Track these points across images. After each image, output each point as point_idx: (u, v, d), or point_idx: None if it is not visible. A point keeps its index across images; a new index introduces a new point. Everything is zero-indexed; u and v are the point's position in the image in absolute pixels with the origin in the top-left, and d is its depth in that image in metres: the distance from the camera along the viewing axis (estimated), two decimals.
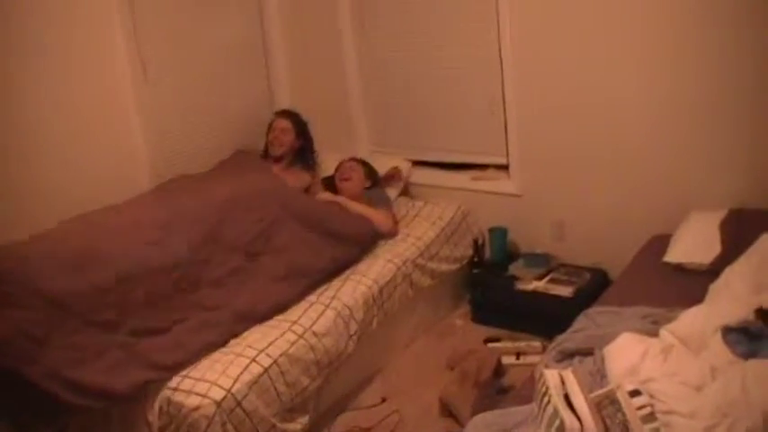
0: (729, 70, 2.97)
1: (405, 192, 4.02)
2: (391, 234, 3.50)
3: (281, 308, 2.87)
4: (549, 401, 1.66)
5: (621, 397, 1.70)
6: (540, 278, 3.45)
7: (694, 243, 2.82)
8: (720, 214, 2.92)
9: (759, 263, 2.39)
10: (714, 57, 2.99)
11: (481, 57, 3.64)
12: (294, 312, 2.85)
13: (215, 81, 3.79)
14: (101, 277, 2.57)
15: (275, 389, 2.55)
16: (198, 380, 2.43)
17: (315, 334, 2.76)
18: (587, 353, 2.17)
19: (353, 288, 3.05)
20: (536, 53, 3.44)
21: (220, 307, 2.74)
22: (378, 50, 4.02)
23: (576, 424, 1.58)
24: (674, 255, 2.83)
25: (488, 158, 3.83)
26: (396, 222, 3.61)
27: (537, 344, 3.23)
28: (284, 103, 4.08)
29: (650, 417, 1.68)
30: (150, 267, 2.69)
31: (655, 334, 2.12)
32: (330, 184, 3.75)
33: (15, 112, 2.90)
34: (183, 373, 2.47)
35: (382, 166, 3.90)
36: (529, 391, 1.97)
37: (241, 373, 2.46)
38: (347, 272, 3.18)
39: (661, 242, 2.97)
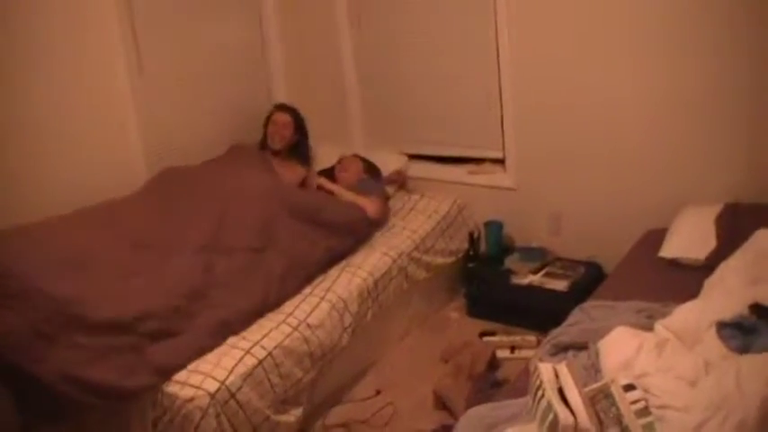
0: (725, 65, 2.97)
1: (401, 185, 4.03)
2: (379, 219, 3.50)
3: (285, 302, 2.87)
4: (543, 395, 1.66)
5: (615, 391, 1.70)
6: (535, 272, 3.45)
7: (690, 238, 2.82)
8: (716, 209, 2.92)
9: (754, 258, 2.38)
10: (710, 51, 2.99)
11: (478, 51, 3.64)
12: (289, 304, 2.85)
13: (212, 76, 3.78)
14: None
15: (269, 381, 2.55)
16: (192, 371, 2.42)
17: (309, 326, 2.76)
18: (582, 347, 2.17)
19: (348, 280, 3.06)
20: (533, 48, 3.44)
21: (229, 307, 2.71)
22: (374, 44, 4.01)
23: (570, 418, 1.57)
24: (669, 249, 2.83)
25: (484, 152, 3.84)
26: (387, 209, 3.61)
27: (532, 338, 3.23)
28: (281, 97, 4.06)
29: (644, 411, 1.67)
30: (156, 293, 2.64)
31: (649, 328, 2.12)
32: (330, 176, 3.77)
33: (12, 107, 2.89)
34: None
35: (378, 160, 3.89)
36: (523, 384, 1.97)
37: (235, 365, 2.46)
38: (342, 263, 3.18)
39: (656, 236, 2.97)
